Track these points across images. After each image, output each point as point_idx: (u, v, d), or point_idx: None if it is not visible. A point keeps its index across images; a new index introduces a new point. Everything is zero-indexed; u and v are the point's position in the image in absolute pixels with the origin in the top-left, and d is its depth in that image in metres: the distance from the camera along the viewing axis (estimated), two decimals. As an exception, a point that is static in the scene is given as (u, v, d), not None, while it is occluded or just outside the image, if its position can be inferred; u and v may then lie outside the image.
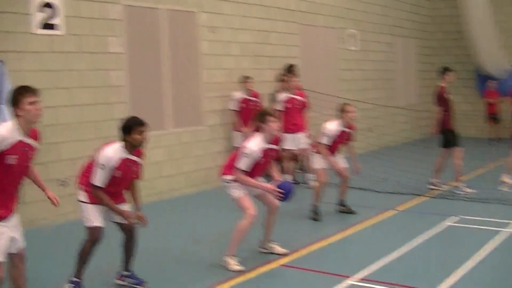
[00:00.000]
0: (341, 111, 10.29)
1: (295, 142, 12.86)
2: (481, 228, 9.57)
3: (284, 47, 15.49)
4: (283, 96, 12.95)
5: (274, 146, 8.05)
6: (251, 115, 12.88)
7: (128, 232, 7.08)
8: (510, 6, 22.19)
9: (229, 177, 7.97)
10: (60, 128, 10.38)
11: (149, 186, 11.51)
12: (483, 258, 7.95)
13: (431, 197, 12.00)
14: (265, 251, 8.43)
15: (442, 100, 12.28)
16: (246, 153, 7.78)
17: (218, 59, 13.52)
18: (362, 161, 10.66)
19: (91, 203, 6.82)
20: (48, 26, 10.10)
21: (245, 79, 13.33)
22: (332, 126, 10.32)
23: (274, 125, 7.86)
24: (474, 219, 10.08)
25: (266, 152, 7.92)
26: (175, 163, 12.41)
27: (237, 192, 7.94)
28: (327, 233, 9.40)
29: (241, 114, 13.33)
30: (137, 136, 6.66)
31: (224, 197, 8.29)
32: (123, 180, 6.77)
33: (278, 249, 8.40)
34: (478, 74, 22.15)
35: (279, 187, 7.91)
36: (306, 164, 13.11)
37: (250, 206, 7.87)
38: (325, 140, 10.28)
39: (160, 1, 12.12)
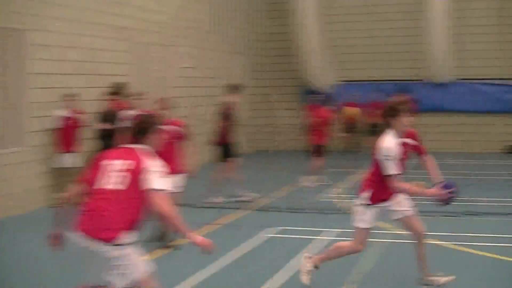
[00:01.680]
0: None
1: None
2: (299, 238, 10.13)
3: (114, 65, 15.43)
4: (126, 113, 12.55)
5: (408, 141, 7.17)
6: (73, 134, 12.82)
7: None
8: (338, 23, 23.52)
9: (365, 194, 7.09)
10: None
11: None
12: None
13: (254, 210, 12.48)
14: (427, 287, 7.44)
15: (228, 114, 13.16)
16: (386, 156, 6.79)
17: (47, 78, 13.19)
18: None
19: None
20: None
21: (67, 97, 13.06)
22: None
23: (404, 119, 6.92)
24: (293, 229, 10.66)
25: (402, 148, 7.00)
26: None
27: (360, 222, 7.14)
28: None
29: (63, 133, 12.97)
30: None
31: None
32: None
33: (442, 279, 7.41)
34: (305, 89, 22.82)
35: (445, 187, 6.93)
36: None
37: (362, 243, 7.18)
38: None
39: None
